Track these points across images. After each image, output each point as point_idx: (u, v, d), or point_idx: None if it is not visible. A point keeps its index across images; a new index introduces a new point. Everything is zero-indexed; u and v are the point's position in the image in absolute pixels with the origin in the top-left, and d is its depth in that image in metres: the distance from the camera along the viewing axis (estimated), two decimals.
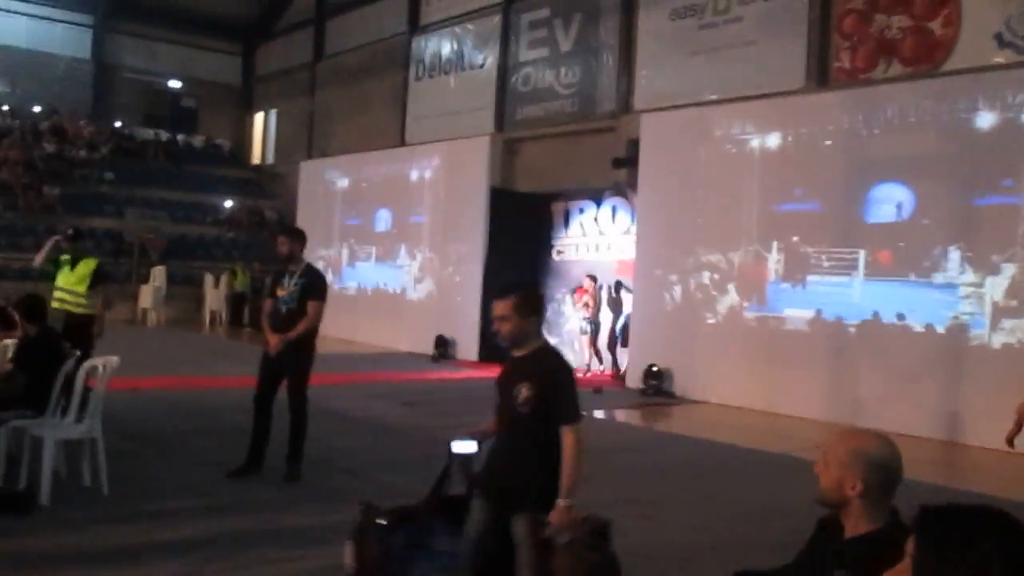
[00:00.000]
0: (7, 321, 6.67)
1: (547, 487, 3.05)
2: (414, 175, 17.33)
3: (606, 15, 16.63)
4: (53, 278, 7.96)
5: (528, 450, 3.15)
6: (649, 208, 12.83)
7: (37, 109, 24.51)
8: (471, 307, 15.26)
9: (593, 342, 14.15)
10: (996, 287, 9.44)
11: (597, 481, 6.84)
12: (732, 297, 11.62)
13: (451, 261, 16.07)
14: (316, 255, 18.70)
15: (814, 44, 13.27)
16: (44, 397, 5.59)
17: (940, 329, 9.60)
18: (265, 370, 6.36)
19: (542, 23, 17.95)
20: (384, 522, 3.06)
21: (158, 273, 19.83)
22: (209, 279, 20.58)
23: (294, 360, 6.29)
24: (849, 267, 10.56)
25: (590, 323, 14.07)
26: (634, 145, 13.81)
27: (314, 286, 6.38)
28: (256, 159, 28.12)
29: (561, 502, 3.01)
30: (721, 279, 11.74)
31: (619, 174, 15.14)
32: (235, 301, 20.21)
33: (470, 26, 19.67)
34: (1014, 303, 9.30)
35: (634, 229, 13.59)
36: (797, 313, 11.04)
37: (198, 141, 27.17)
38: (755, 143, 11.61)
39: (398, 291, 17.39)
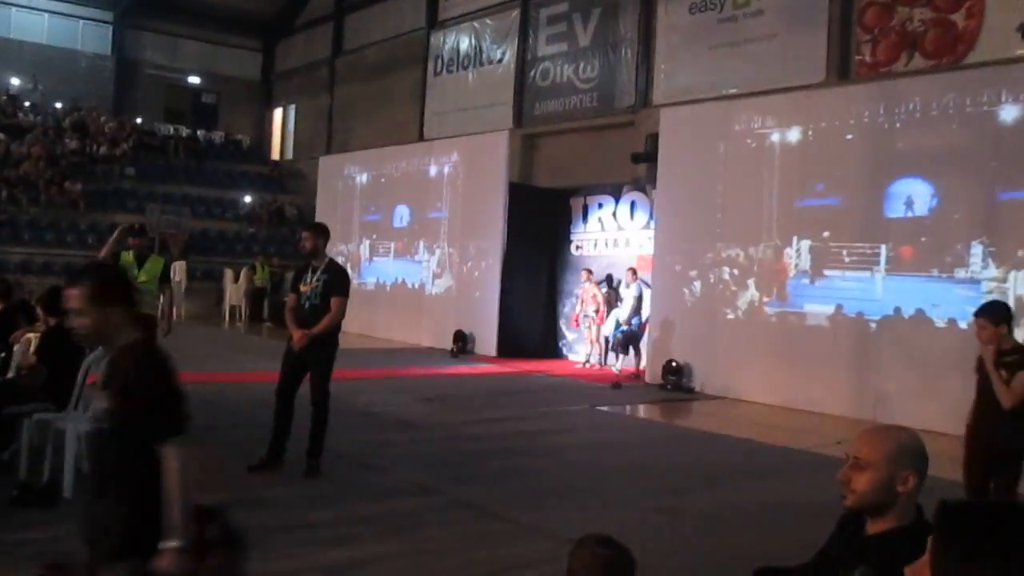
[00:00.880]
0: (30, 315, 6.73)
1: (140, 526, 2.34)
2: (433, 170, 17.36)
3: (625, 9, 16.58)
4: None
5: (113, 477, 2.44)
6: (668, 203, 12.79)
7: (59, 105, 24.76)
8: (490, 302, 15.28)
9: (597, 337, 14.18)
10: (1020, 282, 9.34)
11: (615, 478, 6.85)
12: (752, 292, 11.56)
13: (470, 256, 16.09)
14: (336, 250, 18.75)
15: (835, 37, 13.17)
16: (67, 390, 5.61)
17: (963, 325, 9.51)
18: (288, 365, 6.39)
19: (561, 18, 17.92)
20: None
21: (179, 268, 19.98)
22: (229, 274, 20.71)
23: (317, 355, 6.31)
24: (870, 262, 10.47)
25: (594, 317, 14.06)
26: (653, 140, 13.77)
27: (337, 282, 6.39)
28: (276, 155, 28.25)
29: (165, 544, 2.31)
30: (741, 274, 11.69)
31: (638, 169, 15.10)
32: (255, 296, 20.30)
33: (488, 21, 19.67)
34: None
35: (653, 224, 13.58)
36: (818, 309, 10.97)
37: (218, 137, 27.34)
38: (775, 137, 11.54)
39: (417, 286, 17.41)
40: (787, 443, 8.58)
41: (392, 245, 18.34)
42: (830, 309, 10.83)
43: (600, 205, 15.28)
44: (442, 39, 20.91)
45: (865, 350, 10.47)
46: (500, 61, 19.24)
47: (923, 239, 10.07)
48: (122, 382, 2.41)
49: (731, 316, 11.72)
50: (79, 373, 5.62)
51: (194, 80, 27.64)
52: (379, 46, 23.18)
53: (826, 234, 10.91)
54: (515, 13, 18.88)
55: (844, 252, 10.72)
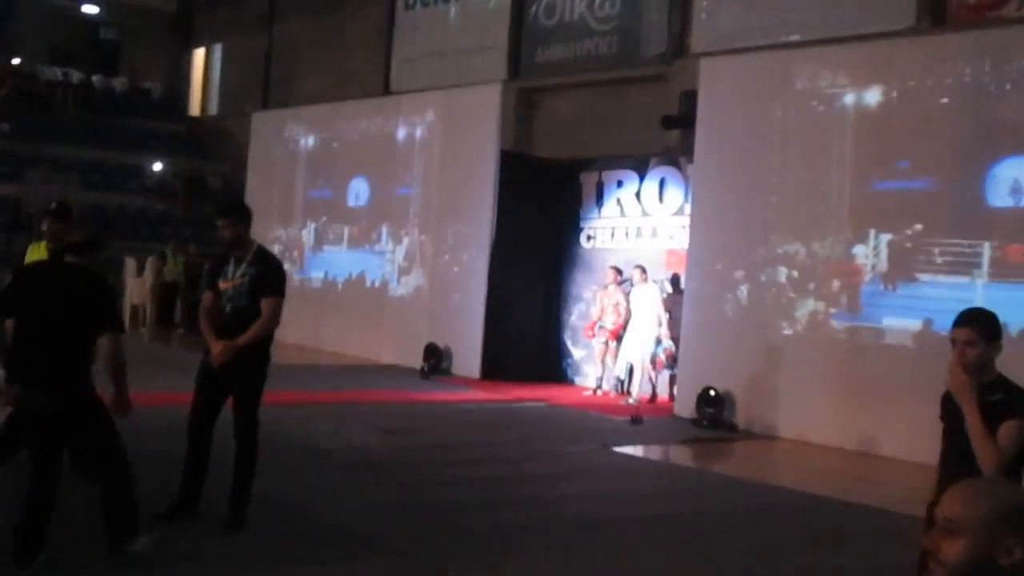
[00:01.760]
0: None
1: None
2: (401, 134, 17.37)
3: None
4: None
5: None
6: (708, 182, 12.83)
7: None
8: (473, 307, 15.33)
9: (605, 354, 14.29)
10: None
11: (634, 543, 6.86)
12: (815, 301, 11.60)
13: (448, 247, 16.14)
14: (271, 236, 18.83)
15: None
16: None
17: None
18: (204, 386, 6.31)
19: None
20: None
21: None
22: (131, 264, 20.66)
23: (243, 374, 6.27)
24: (968, 264, 10.51)
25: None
26: (690, 99, 13.79)
27: (268, 277, 6.34)
28: (195, 109, 28.22)
29: None
30: (801, 277, 11.73)
31: (669, 137, 15.13)
32: (164, 293, 20.32)
33: None
34: None
35: (687, 209, 13.61)
36: (900, 324, 11.01)
37: (120, 84, 27.27)
38: (849, 100, 11.59)
39: (378, 285, 17.44)
40: (858, 497, 8.60)
41: (346, 230, 18.36)
42: (915, 324, 10.87)
43: (620, 183, 15.32)
44: None
45: None
46: None
47: None
48: None
49: (787, 332, 11.76)
50: None
51: (90, 9, 27.51)
52: None
53: (914, 227, 10.96)
54: None
55: (935, 251, 10.76)
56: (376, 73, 21.54)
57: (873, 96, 11.44)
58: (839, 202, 11.53)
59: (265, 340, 6.37)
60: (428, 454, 9.36)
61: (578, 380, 15.43)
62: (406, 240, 16.99)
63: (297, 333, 16.87)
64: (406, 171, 17.14)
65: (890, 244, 11.12)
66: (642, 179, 15.01)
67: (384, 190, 17.57)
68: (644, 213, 14.98)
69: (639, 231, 15.04)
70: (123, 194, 23.74)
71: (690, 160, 13.46)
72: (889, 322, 11.10)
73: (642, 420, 11.98)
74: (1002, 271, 10.31)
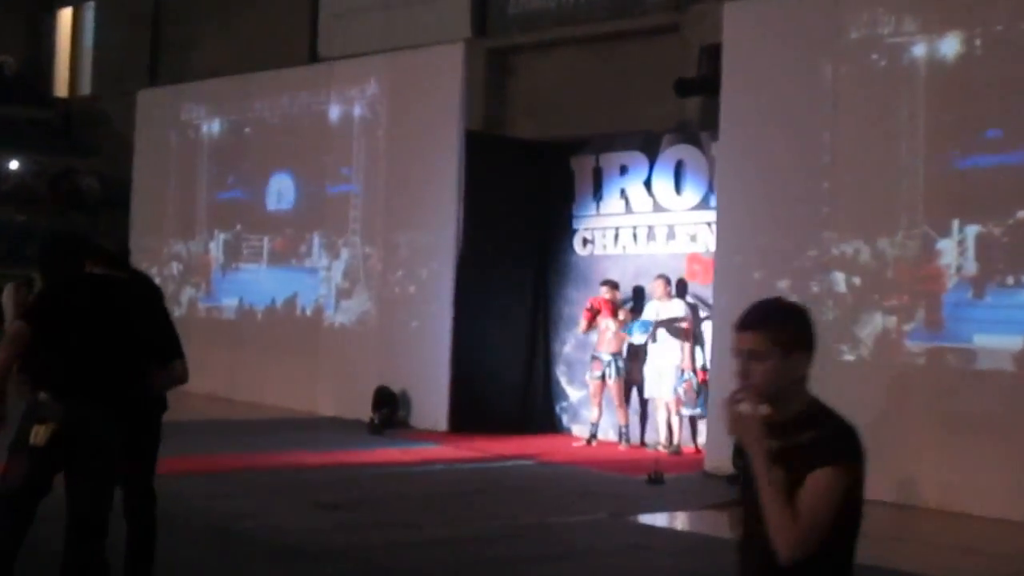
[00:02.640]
0: None
1: None
2: (335, 113, 17.37)
3: None
4: None
5: None
6: (738, 165, 12.82)
7: None
8: (436, 338, 15.30)
9: (621, 392, 14.35)
10: None
11: None
12: (883, 317, 11.57)
13: (401, 260, 16.10)
14: (166, 252, 18.73)
15: None
16: None
17: None
18: (34, 451, 5.94)
19: None
20: None
21: None
22: None
23: (131, 434, 6.23)
24: None
25: (614, 361, 14.24)
26: (711, 56, 13.80)
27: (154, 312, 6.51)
28: (62, 89, 28.06)
29: None
30: (864, 286, 11.70)
31: (686, 106, 15.13)
32: None
33: None
34: None
35: (714, 201, 13.62)
36: (997, 342, 10.97)
37: None
38: (919, 52, 11.60)
39: (310, 313, 17.42)
40: (944, 568, 8.58)
41: (266, 242, 18.32)
42: (1016, 343, 10.89)
43: (623, 169, 15.31)
44: None
45: None
46: None
47: None
48: None
49: (847, 357, 11.72)
50: None
51: None
52: None
53: (1012, 215, 10.95)
54: None
55: None
56: (299, 34, 21.48)
57: (951, 46, 11.44)
58: (911, 186, 11.52)
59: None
60: (381, 535, 9.28)
61: (577, 428, 15.42)
62: (345, 253, 16.94)
63: (204, 379, 16.73)
64: (343, 162, 17.11)
65: (979, 239, 11.12)
66: (652, 164, 14.98)
67: (314, 188, 17.54)
68: (656, 208, 14.97)
69: (651, 232, 15.02)
70: None
71: (714, 136, 13.48)
72: (982, 340, 11.07)
73: (663, 479, 11.94)
74: None
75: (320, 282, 17.27)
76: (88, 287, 6.04)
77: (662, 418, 14.05)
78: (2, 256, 22.20)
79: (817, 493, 3.45)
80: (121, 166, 22.19)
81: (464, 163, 15.29)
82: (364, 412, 15.41)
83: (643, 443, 14.43)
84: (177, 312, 18.99)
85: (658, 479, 11.88)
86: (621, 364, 14.32)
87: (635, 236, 15.16)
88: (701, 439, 13.77)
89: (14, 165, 24.74)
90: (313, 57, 20.75)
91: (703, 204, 14.30)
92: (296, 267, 17.66)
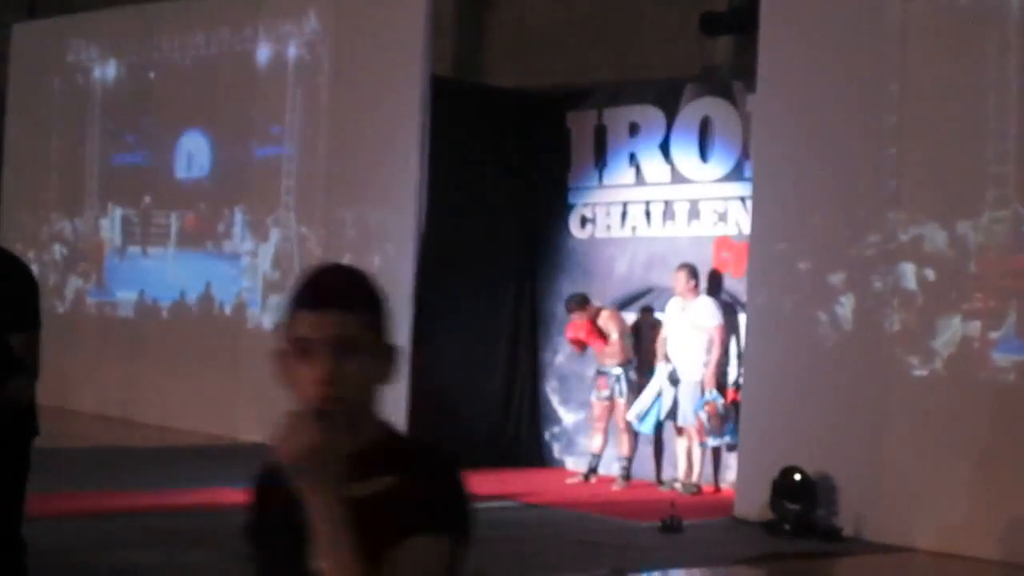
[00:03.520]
0: None
1: None
2: (264, 55, 17.40)
3: None
4: None
5: None
6: (780, 123, 12.77)
7: None
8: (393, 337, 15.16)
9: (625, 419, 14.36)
10: None
11: None
12: (963, 321, 11.53)
13: (347, 243, 16.12)
14: (46, 232, 18.63)
15: None
16: None
17: None
18: None
19: None
20: None
21: None
22: None
23: None
24: None
25: (624, 375, 14.26)
26: None
27: (9, 299, 6.52)
28: None
29: None
30: (940, 281, 11.65)
31: (714, 48, 15.09)
32: None
33: None
34: None
35: (749, 170, 13.61)
36: None
37: None
38: None
39: (230, 311, 17.48)
40: None
41: (173, 220, 18.34)
42: None
43: (634, 129, 15.30)
44: None
45: None
46: None
47: None
48: None
49: (918, 371, 11.71)
50: None
51: None
52: None
53: None
54: None
55: None
56: None
57: None
58: (1000, 154, 11.48)
59: (23, 405, 6.54)
60: None
61: (572, 461, 15.45)
62: (276, 234, 16.96)
63: (93, 395, 16.70)
64: (274, 118, 17.12)
65: None
66: (671, 122, 14.98)
67: (237, 151, 17.56)
68: (676, 178, 14.97)
69: (668, 209, 15.02)
70: None
71: (750, 87, 13.50)
72: None
73: (681, 525, 11.92)
74: None
75: (243, 272, 17.28)
76: None
77: (680, 448, 14.03)
78: None
79: (413, 570, 2.67)
80: None
81: (429, 120, 15.21)
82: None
83: (659, 480, 14.44)
84: (59, 308, 18.95)
85: (675, 526, 11.85)
86: (633, 377, 14.33)
87: (648, 215, 15.16)
88: (729, 475, 13.81)
89: None
90: None
91: (735, 174, 14.30)
92: (212, 252, 17.66)
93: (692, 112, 14.84)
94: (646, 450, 14.55)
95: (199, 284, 17.78)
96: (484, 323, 15.73)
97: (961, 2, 11.77)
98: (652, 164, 15.12)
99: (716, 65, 14.92)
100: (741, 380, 13.48)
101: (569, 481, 14.54)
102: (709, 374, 13.73)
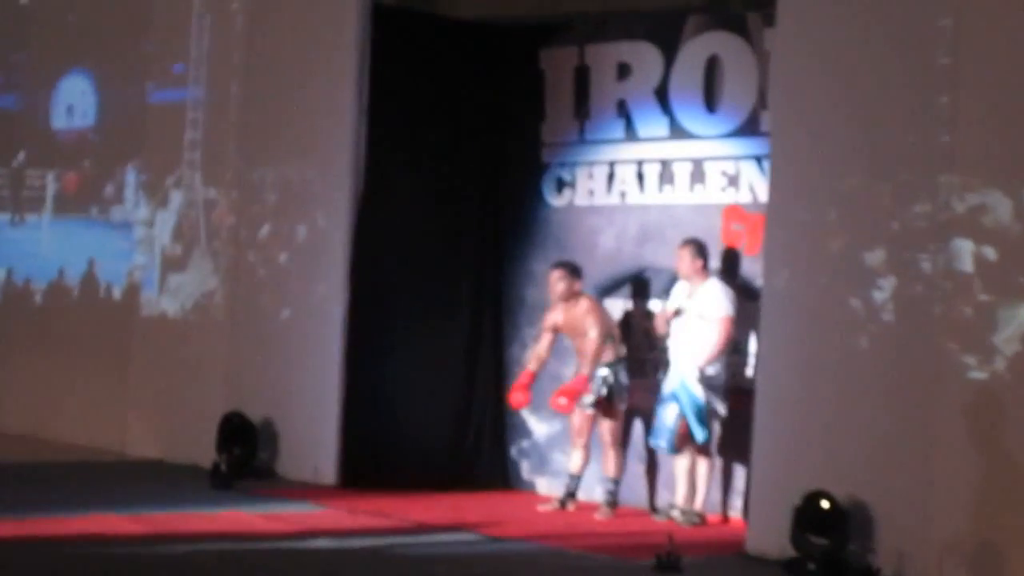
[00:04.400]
0: None
1: None
2: None
3: None
4: None
5: None
6: (805, 66, 12.72)
7: None
8: (320, 335, 15.37)
9: (614, 432, 14.40)
10: None
11: None
12: None
13: (267, 211, 16.19)
14: None
15: None
16: None
17: None
18: None
19: None
20: None
21: None
22: None
23: None
24: None
25: (614, 374, 14.29)
26: None
27: None
28: None
29: None
30: (1004, 261, 11.62)
31: None
32: None
33: None
34: None
35: (766, 123, 13.59)
36: None
37: None
38: None
39: (119, 294, 17.56)
40: None
41: (50, 180, 18.49)
42: None
43: (624, 71, 15.35)
44: None
45: None
46: None
47: None
48: None
49: (977, 373, 11.68)
50: None
51: None
52: None
53: None
54: None
55: None
56: None
57: None
58: None
59: None
60: None
61: (545, 483, 15.53)
62: (177, 198, 17.02)
63: None
64: (174, 54, 17.15)
65: None
66: (670, 62, 15.01)
67: (128, 96, 17.62)
68: (675, 132, 15.00)
69: (665, 171, 15.04)
70: None
71: (768, 19, 13.49)
72: None
73: (680, 564, 11.93)
74: None
75: (136, 245, 17.34)
76: None
77: (680, 468, 14.02)
78: None
79: None
80: None
81: (369, 58, 15.27)
82: (205, 454, 15.46)
83: (653, 508, 14.50)
84: None
85: (673, 565, 11.83)
86: (623, 378, 14.38)
87: (641, 177, 15.19)
88: (739, 502, 13.92)
89: None
90: None
91: (748, 128, 14.34)
92: (99, 220, 17.69)
93: (696, 50, 14.85)
94: (637, 469, 14.60)
95: (81, 260, 17.86)
96: (436, 311, 15.73)
97: None
98: (646, 115, 15.16)
99: None
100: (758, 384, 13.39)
101: (542, 508, 14.56)
102: (703, 361, 13.72)
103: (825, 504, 11.87)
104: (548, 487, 15.31)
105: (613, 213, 15.23)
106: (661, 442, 14.02)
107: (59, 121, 18.19)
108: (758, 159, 13.83)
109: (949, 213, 11.83)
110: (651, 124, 15.10)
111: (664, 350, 14.24)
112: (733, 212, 14.35)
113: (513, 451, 15.90)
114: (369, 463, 15.01)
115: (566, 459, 14.90)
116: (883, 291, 12.11)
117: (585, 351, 14.24)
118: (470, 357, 15.94)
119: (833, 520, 11.86)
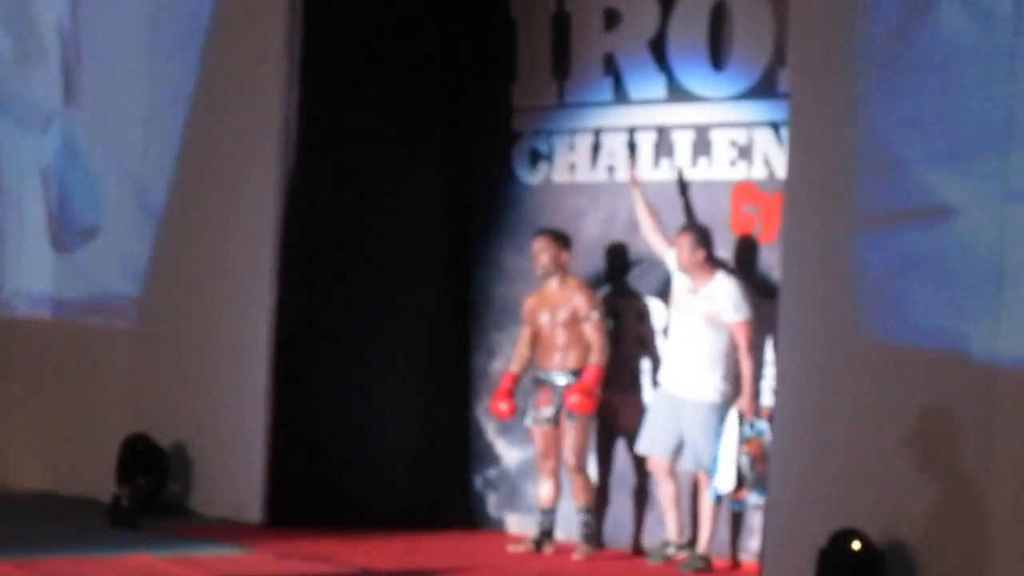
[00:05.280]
0: None
1: None
2: None
3: None
4: None
5: None
6: (831, 13, 12.77)
7: None
8: (243, 342, 15.47)
9: (576, 451, 14.39)
10: None
11: None
12: None
13: (185, 198, 16.11)
14: None
15: None
16: None
17: None
18: None
19: None
20: None
21: None
22: None
23: None
24: None
25: (568, 385, 14.32)
26: None
27: None
28: None
29: None
30: None
31: None
32: None
33: None
34: None
35: (784, 83, 13.68)
36: None
37: None
38: None
39: None
40: None
41: None
42: None
43: (612, 18, 15.37)
44: None
45: None
46: None
47: None
48: None
49: None
50: None
51: None
52: None
53: None
54: None
55: None
56: None
57: None
58: None
59: None
60: None
61: (516, 521, 15.62)
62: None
63: None
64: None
65: None
66: (668, 7, 15.03)
67: None
68: (674, 94, 15.07)
69: (662, 140, 15.11)
70: None
71: None
72: None
73: None
74: None
75: (10, 229, 17.31)
76: None
77: (667, 496, 14.05)
78: None
79: None
80: None
81: (301, 4, 15.34)
82: (104, 485, 15.52)
83: (637, 549, 14.54)
84: None
85: None
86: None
87: (633, 149, 15.25)
88: (753, 543, 13.97)
89: None
90: None
91: (763, 89, 14.39)
92: None
93: (694, 3, 14.96)
94: (622, 501, 14.68)
95: None
96: (388, 313, 15.76)
97: None
98: (639, 73, 15.23)
99: None
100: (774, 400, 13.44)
101: (513, 549, 14.62)
102: (747, 396, 13.68)
103: (856, 545, 11.90)
104: (520, 525, 15.38)
105: (599, 192, 15.26)
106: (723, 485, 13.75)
107: None
108: (774, 126, 13.84)
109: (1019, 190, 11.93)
110: (645, 84, 15.15)
111: (657, 360, 14.42)
112: (745, 191, 14.36)
113: (478, 481, 15.94)
114: (303, 497, 15.05)
115: (536, 491, 14.97)
116: (924, 283, 12.17)
117: (575, 341, 14.30)
118: (427, 369, 15.92)
119: (866, 563, 11.93)
